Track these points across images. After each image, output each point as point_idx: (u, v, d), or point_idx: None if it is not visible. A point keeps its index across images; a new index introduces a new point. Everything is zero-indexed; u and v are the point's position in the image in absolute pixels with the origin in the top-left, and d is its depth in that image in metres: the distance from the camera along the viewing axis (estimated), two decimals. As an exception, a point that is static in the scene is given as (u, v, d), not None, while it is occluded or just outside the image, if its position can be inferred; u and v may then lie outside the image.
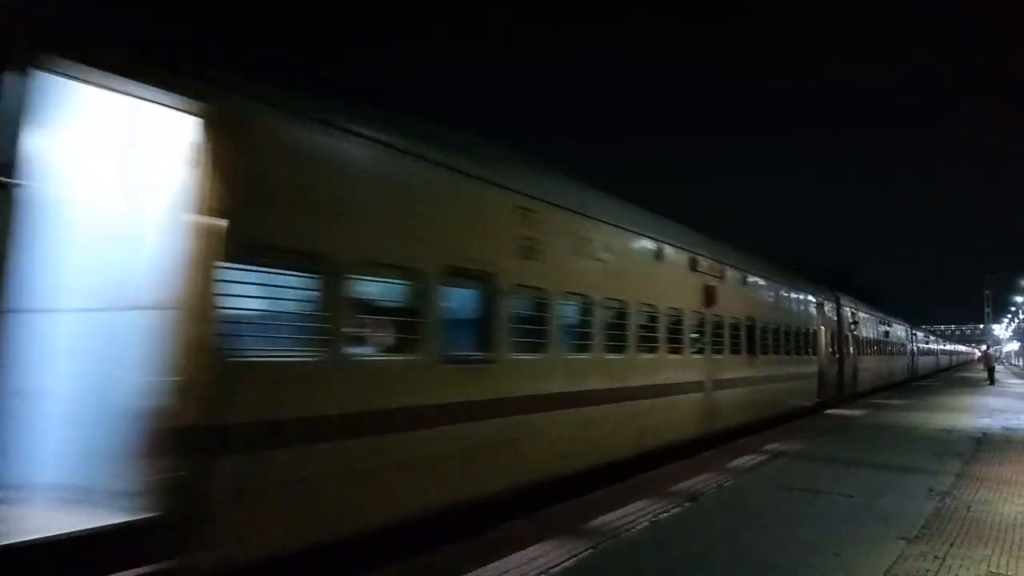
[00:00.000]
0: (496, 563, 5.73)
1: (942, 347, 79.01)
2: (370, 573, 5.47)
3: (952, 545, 6.42)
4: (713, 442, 12.55)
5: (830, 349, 22.87)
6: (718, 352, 13.44)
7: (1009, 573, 5.68)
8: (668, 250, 11.77)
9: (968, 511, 7.79)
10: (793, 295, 19.64)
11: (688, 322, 12.12)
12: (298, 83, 5.97)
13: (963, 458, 11.49)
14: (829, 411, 20.28)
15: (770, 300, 17.42)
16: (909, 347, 44.45)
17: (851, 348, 25.96)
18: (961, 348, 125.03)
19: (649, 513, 7.49)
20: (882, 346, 33.81)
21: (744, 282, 15.36)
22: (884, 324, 35.07)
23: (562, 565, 5.73)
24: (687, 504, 7.98)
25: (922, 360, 53.27)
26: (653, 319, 10.99)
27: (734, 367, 14.23)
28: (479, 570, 5.55)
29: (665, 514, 7.50)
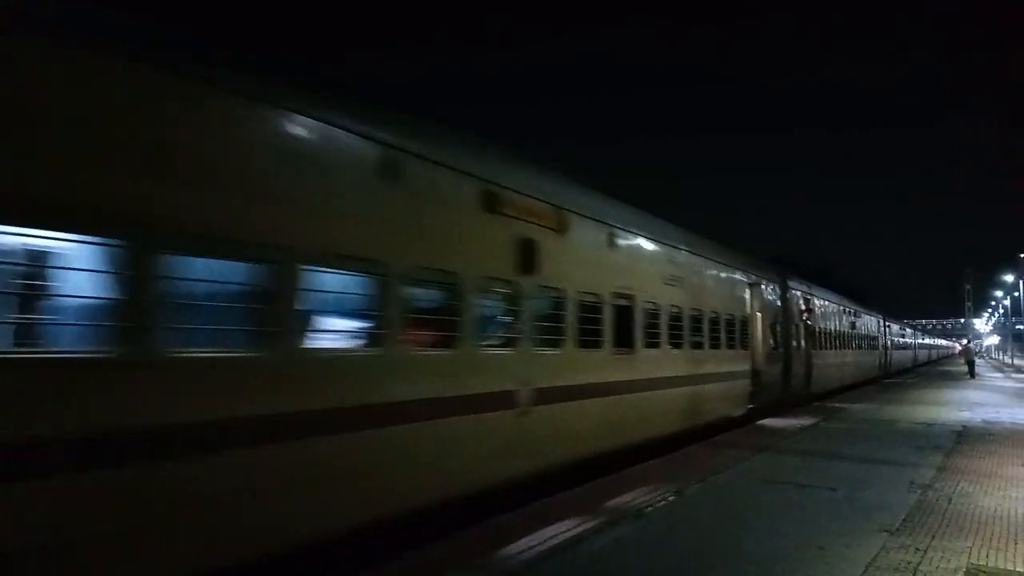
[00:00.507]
0: (487, 556, 5.72)
1: (920, 341, 78.81)
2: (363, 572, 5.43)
3: (934, 537, 6.48)
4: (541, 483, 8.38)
5: (771, 342, 18.32)
6: (551, 344, 8.80)
7: (990, 564, 5.74)
8: (423, 171, 7.03)
9: (949, 504, 7.87)
10: (711, 270, 14.75)
11: (477, 297, 7.53)
12: None
13: (944, 451, 11.60)
14: (764, 421, 15.97)
15: (667, 273, 12.54)
16: (881, 340, 40.22)
17: (802, 341, 21.49)
18: (942, 342, 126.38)
19: (633, 508, 7.51)
20: (845, 339, 29.21)
21: (612, 243, 10.64)
22: (849, 314, 30.53)
23: (548, 563, 5.73)
24: (671, 498, 8.01)
25: (897, 355, 49.19)
26: (383, 288, 6.33)
27: (586, 368, 9.61)
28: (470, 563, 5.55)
29: (649, 508, 7.52)
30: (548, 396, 8.55)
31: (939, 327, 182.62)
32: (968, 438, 13.37)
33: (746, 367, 16.10)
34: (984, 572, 5.54)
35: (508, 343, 8.16)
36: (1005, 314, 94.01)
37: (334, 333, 6.14)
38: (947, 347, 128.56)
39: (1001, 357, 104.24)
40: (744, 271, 16.75)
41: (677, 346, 12.48)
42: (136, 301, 4.50)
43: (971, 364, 40.54)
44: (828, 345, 25.82)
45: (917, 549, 6.10)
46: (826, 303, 26.23)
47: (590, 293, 9.76)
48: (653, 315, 11.66)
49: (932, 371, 53.41)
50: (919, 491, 8.48)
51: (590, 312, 9.71)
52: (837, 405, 20.76)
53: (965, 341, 44.78)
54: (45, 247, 4.23)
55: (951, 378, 38.84)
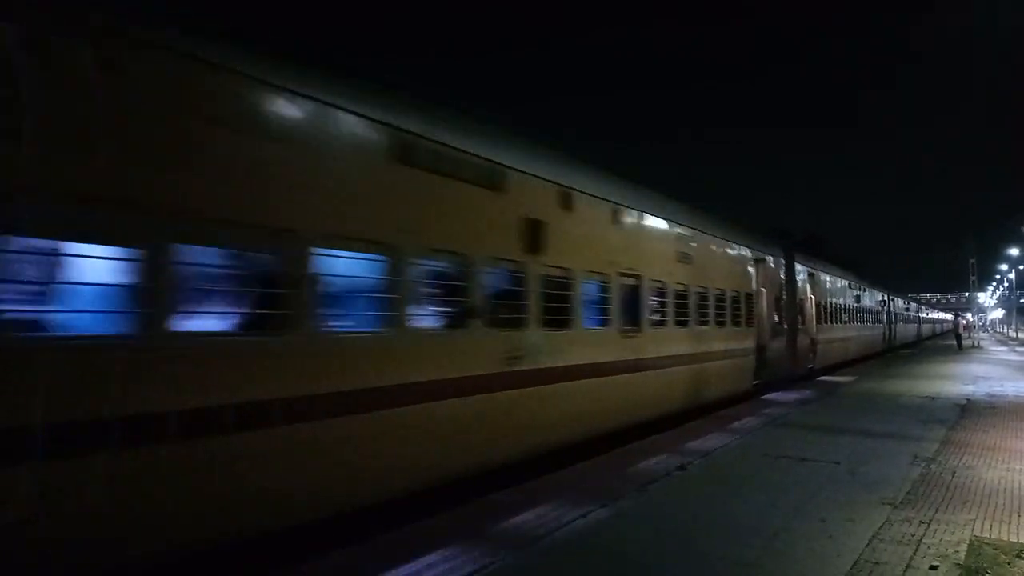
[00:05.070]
0: (488, 529, 5.75)
1: (936, 316, 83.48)
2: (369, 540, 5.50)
3: (937, 510, 6.48)
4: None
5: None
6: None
7: (993, 537, 5.74)
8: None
9: (952, 477, 7.87)
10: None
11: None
12: None
13: (947, 425, 11.60)
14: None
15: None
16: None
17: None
18: (947, 316, 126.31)
19: (637, 482, 7.52)
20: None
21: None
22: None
23: (553, 535, 5.75)
24: (675, 473, 8.02)
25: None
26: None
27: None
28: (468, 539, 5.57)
29: (653, 483, 7.53)
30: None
31: (944, 301, 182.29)
32: (972, 411, 13.36)
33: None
34: (987, 544, 5.54)
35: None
36: (1010, 287, 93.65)
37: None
38: (952, 321, 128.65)
39: (1006, 330, 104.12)
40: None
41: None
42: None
43: (958, 337, 44.62)
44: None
45: (921, 522, 6.10)
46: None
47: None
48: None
49: (941, 343, 53.72)
50: (922, 464, 8.49)
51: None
52: (842, 379, 21.12)
53: (955, 316, 51.80)
54: None
55: (955, 351, 38.90)
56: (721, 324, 14.16)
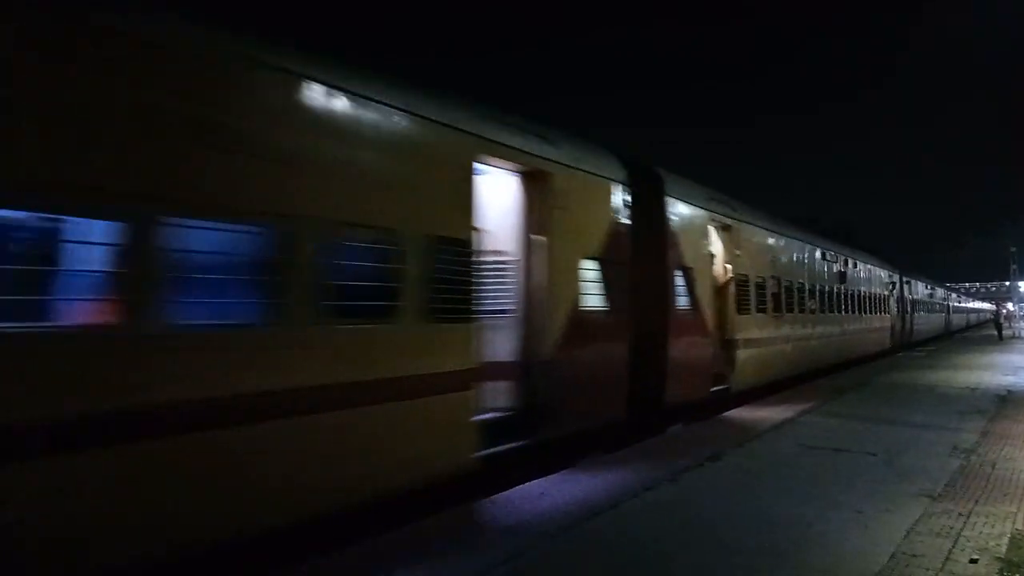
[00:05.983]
0: (508, 520, 5.79)
1: (970, 305, 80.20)
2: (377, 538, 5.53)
3: (977, 503, 6.38)
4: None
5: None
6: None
7: (1035, 531, 5.63)
8: None
9: (993, 469, 7.73)
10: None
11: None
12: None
13: (987, 415, 11.38)
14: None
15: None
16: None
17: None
18: (985, 306, 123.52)
19: (670, 472, 7.51)
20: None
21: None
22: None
23: (587, 522, 5.77)
24: (708, 462, 7.99)
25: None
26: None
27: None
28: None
29: (686, 472, 7.52)
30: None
31: (983, 290, 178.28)
32: (1012, 402, 13.09)
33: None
34: (1029, 538, 5.44)
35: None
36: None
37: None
38: (990, 311, 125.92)
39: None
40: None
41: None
42: None
43: (999, 327, 45.30)
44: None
45: (960, 514, 6.01)
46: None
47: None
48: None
49: (978, 334, 52.55)
50: (962, 456, 8.35)
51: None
52: (876, 372, 20.69)
53: (995, 306, 51.00)
54: None
55: (995, 341, 38.08)
56: (338, 316, 5.50)
